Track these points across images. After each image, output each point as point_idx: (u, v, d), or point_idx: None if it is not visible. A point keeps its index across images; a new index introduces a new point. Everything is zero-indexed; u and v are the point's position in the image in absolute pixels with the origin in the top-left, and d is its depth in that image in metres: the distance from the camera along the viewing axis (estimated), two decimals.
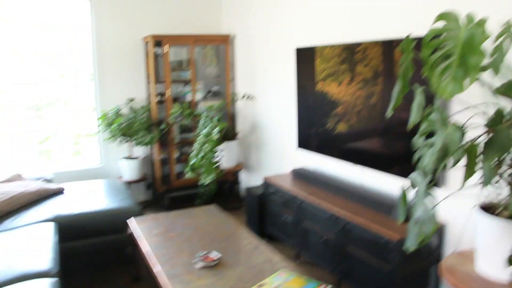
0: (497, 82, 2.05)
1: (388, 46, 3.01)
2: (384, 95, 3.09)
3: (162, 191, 5.15)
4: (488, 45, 2.03)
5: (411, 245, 1.81)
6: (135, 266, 3.49)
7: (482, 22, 1.67)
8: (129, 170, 5.06)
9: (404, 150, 2.96)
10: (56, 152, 5.18)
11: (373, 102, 3.17)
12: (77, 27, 5.04)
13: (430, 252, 2.82)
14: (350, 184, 3.50)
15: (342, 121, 3.49)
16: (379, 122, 3.17)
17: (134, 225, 3.22)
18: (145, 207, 5.24)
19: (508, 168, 1.97)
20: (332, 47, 3.49)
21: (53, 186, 4.07)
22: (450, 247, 2.84)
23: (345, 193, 3.38)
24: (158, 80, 5.12)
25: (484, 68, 1.95)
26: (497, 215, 2.03)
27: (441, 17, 1.75)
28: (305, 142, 4.01)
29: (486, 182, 1.80)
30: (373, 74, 3.14)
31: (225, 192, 5.24)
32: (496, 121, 1.88)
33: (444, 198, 2.79)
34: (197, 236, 2.97)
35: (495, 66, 1.86)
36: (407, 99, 2.72)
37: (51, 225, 3.28)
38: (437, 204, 1.77)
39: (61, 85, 5.06)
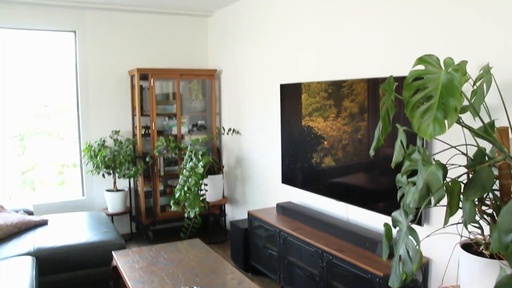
0: (477, 124, 2.12)
1: (373, 84, 3.09)
2: (370, 130, 3.15)
3: (147, 223, 5.10)
4: (467, 88, 2.11)
5: (394, 282, 1.82)
6: None
7: (461, 65, 1.74)
8: (113, 202, 5.02)
9: (389, 186, 3.00)
10: (39, 183, 5.13)
11: (359, 137, 3.23)
12: (62, 58, 5.07)
13: (415, 287, 2.84)
14: (334, 219, 3.52)
15: (327, 156, 3.53)
16: (364, 158, 3.22)
17: (117, 259, 3.19)
18: (129, 240, 5.18)
19: (488, 208, 2.02)
20: (319, 82, 3.56)
21: (35, 218, 4.02)
22: (434, 283, 2.86)
23: (329, 228, 3.40)
24: (143, 113, 5.15)
25: (464, 110, 2.02)
26: (479, 253, 2.06)
27: (421, 60, 1.82)
28: (289, 177, 4.04)
29: (467, 221, 1.84)
30: (359, 109, 3.20)
31: (210, 225, 5.22)
32: (476, 162, 1.94)
33: (427, 236, 2.82)
34: (181, 270, 2.95)
35: (475, 108, 1.92)
36: (392, 135, 2.79)
37: (29, 259, 3.23)
38: (419, 242, 1.80)
39: (45, 116, 5.05)
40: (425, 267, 2.85)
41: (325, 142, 3.53)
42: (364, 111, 3.16)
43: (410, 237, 1.82)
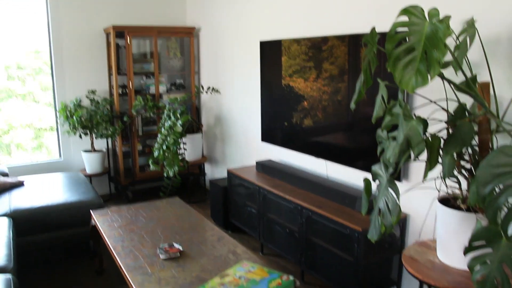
0: (458, 78, 2.11)
1: (354, 42, 3.04)
2: (349, 91, 3.13)
3: (126, 184, 5.06)
4: (450, 43, 2.08)
5: (373, 235, 1.84)
6: (98, 259, 3.42)
7: (446, 19, 1.71)
8: (91, 163, 4.96)
9: (369, 145, 3.00)
10: (15, 147, 5.01)
11: (339, 98, 3.20)
12: (33, 17, 4.87)
13: (393, 243, 2.89)
14: (314, 176, 3.53)
15: (307, 116, 3.51)
16: (344, 118, 3.21)
17: (96, 218, 3.16)
18: (108, 200, 5.14)
19: (467, 163, 2.03)
20: (299, 44, 3.50)
21: (10, 179, 3.94)
22: (412, 238, 2.91)
23: (309, 185, 3.41)
24: (120, 72, 5.02)
25: (446, 64, 1.99)
26: (456, 207, 2.09)
27: (405, 11, 1.77)
28: (269, 135, 4.02)
29: (446, 174, 1.85)
30: (339, 71, 3.17)
31: (189, 185, 5.21)
32: (457, 117, 1.93)
33: (407, 191, 2.85)
34: (160, 228, 2.94)
35: (457, 63, 1.90)
36: (372, 94, 2.77)
37: (5, 220, 3.18)
38: (399, 194, 1.81)
39: (18, 78, 4.89)
40: (403, 222, 2.89)
41: (305, 102, 3.50)
42: (344, 73, 3.13)
43: (389, 189, 1.82)
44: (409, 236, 2.93)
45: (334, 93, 3.23)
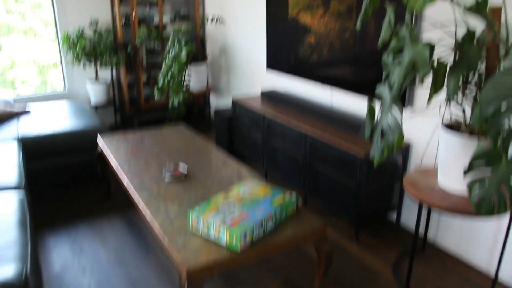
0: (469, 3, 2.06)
1: None
2: (355, 21, 3.07)
3: (131, 114, 5.09)
4: None
5: (375, 154, 1.86)
6: (106, 184, 3.51)
7: None
8: (95, 94, 4.96)
9: (374, 77, 2.98)
10: (21, 82, 4.99)
11: (347, 36, 3.15)
12: None
13: (395, 170, 2.93)
14: (319, 105, 3.54)
15: (314, 48, 3.46)
16: (350, 51, 3.16)
17: (102, 142, 3.21)
18: (114, 131, 5.19)
19: (472, 92, 2.03)
20: None
21: (18, 107, 3.97)
22: (414, 166, 2.95)
23: (313, 113, 3.43)
24: (122, 1, 4.91)
25: None
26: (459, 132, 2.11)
27: None
28: (274, 63, 3.98)
29: (450, 95, 1.85)
30: (347, 9, 3.10)
31: (194, 115, 5.23)
32: (464, 42, 1.91)
33: (411, 117, 2.87)
34: (166, 152, 2.99)
35: None
36: (378, 27, 2.72)
37: (15, 144, 3.23)
38: (402, 115, 1.81)
39: (18, 13, 4.79)
40: (405, 150, 2.92)
41: (311, 36, 3.45)
42: (353, 10, 3.06)
43: (393, 109, 1.82)
44: (411, 165, 2.97)
45: (341, 25, 3.17)
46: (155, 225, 2.05)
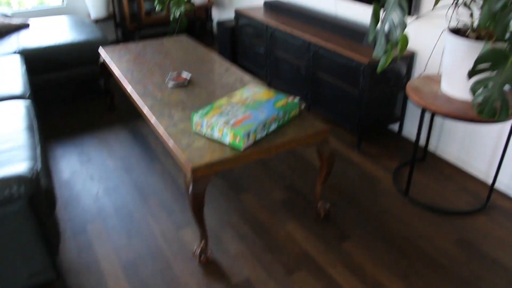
0: None
1: None
2: None
3: (132, 29, 5.00)
4: None
5: (378, 52, 1.84)
6: (109, 97, 3.52)
7: None
8: (95, 6, 4.84)
9: None
10: (17, 3, 4.84)
11: None
12: None
13: (399, 79, 2.91)
14: (323, 14, 3.46)
15: None
16: None
17: (105, 53, 3.18)
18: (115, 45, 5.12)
19: None
20: None
21: (17, 20, 3.90)
22: (418, 75, 2.93)
23: (317, 22, 3.36)
24: None
25: None
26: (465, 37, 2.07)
27: None
28: None
29: None
30: None
31: (196, 29, 5.13)
32: None
33: (416, 20, 2.80)
34: (168, 61, 2.97)
35: None
36: None
37: (17, 57, 3.21)
38: (406, 12, 1.77)
39: None
40: (410, 59, 2.88)
41: None
42: None
43: (398, 6, 1.76)
44: (415, 75, 2.94)
45: None
46: (160, 128, 2.07)
